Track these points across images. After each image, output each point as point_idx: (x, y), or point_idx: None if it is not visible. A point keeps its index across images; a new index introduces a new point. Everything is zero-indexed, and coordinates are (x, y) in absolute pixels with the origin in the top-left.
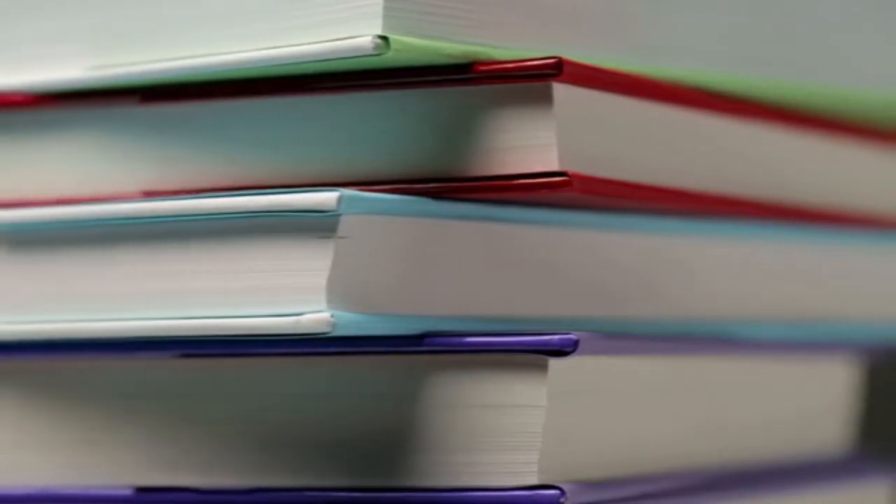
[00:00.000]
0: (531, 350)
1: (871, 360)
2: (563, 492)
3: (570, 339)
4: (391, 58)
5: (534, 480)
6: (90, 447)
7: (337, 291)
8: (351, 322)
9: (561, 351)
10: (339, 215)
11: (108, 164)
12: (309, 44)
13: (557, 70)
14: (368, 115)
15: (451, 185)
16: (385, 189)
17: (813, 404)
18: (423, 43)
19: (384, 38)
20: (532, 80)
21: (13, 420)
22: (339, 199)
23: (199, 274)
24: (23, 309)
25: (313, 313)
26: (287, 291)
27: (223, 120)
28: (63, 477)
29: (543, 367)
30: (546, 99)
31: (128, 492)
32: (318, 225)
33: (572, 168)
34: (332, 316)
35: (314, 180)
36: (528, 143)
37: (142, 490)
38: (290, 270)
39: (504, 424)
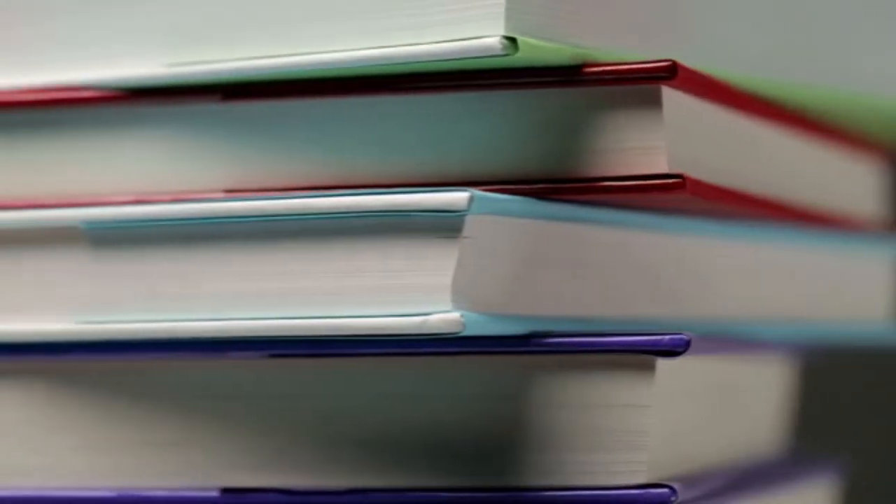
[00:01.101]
0: (643, 350)
1: (807, 359)
2: (673, 490)
3: (681, 340)
4: (509, 59)
5: (643, 479)
6: (175, 448)
7: (459, 291)
8: (477, 322)
9: (672, 351)
10: (466, 215)
11: (189, 161)
12: (433, 43)
13: (671, 74)
14: (474, 114)
15: (564, 186)
16: (494, 190)
17: (750, 405)
18: (547, 44)
19: (512, 39)
20: (644, 83)
21: (99, 421)
22: (470, 200)
23: (312, 273)
24: (108, 308)
25: (442, 313)
26: (407, 291)
27: (312, 118)
28: (148, 479)
29: (652, 367)
30: (656, 102)
31: (214, 493)
32: (442, 225)
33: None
34: (461, 316)
35: (412, 180)
36: (635, 146)
37: (228, 491)
38: (412, 270)
39: (612, 424)
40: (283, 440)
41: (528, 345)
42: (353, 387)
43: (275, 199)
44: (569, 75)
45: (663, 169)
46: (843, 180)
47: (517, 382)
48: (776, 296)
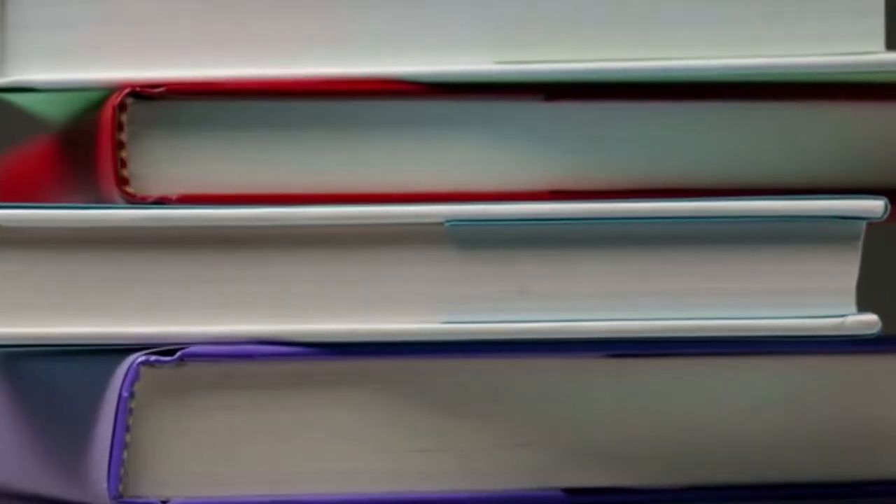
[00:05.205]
0: None
1: None
2: None
3: None
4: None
5: None
6: (514, 449)
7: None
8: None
9: None
10: (865, 221)
11: (510, 160)
12: (823, 55)
13: None
14: (810, 125)
15: None
16: None
17: None
18: None
19: None
20: None
21: (455, 421)
22: (885, 207)
23: (712, 276)
24: (474, 308)
25: (856, 315)
26: (815, 294)
27: (643, 121)
28: (492, 480)
29: None
30: None
31: (557, 493)
32: (848, 231)
33: None
34: (877, 318)
35: (730, 186)
36: None
37: (570, 491)
38: (817, 274)
39: None
40: (627, 440)
41: (880, 345)
42: (713, 387)
43: (674, 202)
44: None
45: None
46: None
47: (858, 381)
48: None
